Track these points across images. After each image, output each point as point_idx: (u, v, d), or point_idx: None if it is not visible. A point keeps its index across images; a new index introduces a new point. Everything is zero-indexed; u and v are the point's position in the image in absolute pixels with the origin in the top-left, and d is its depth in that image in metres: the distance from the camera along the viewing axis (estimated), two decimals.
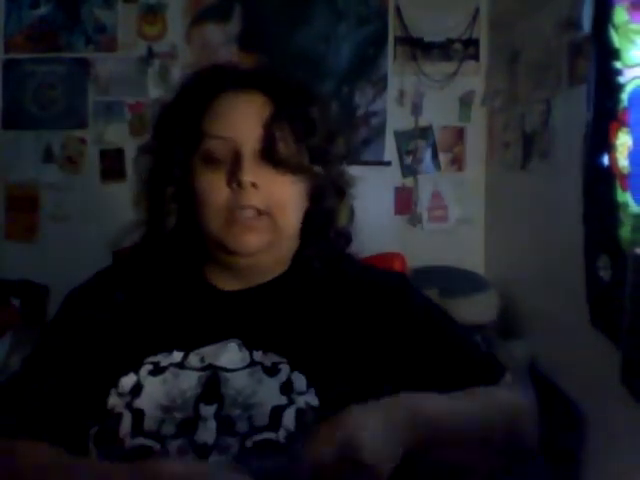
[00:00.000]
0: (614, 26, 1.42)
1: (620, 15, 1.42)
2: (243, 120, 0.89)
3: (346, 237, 0.98)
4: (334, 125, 0.96)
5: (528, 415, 0.92)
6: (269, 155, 0.88)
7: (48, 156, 2.66)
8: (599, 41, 1.53)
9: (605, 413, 1.65)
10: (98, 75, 2.64)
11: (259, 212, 0.88)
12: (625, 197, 1.43)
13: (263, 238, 0.89)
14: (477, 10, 2.64)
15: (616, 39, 1.43)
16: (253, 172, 0.86)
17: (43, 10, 2.64)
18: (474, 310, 2.22)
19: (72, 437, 0.85)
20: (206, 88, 0.91)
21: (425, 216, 2.72)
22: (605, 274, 1.55)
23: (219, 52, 2.64)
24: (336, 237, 0.97)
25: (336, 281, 0.95)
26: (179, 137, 0.90)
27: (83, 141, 2.66)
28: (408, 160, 2.71)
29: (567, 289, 1.86)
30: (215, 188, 0.88)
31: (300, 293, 0.93)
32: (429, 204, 2.72)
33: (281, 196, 0.89)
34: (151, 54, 2.64)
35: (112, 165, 2.64)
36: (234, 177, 0.87)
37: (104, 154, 2.66)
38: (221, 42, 2.65)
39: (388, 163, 2.69)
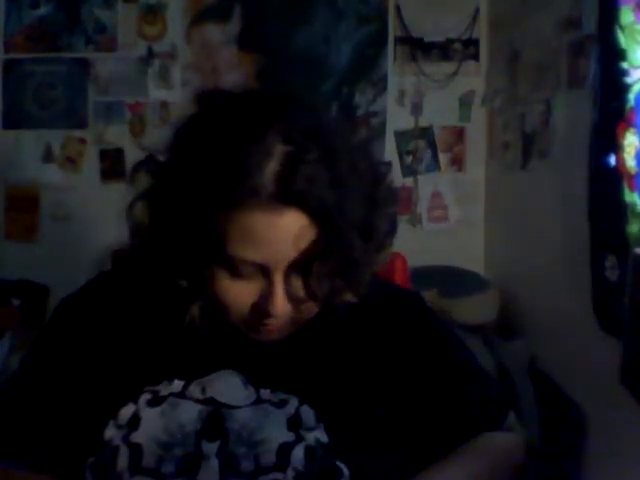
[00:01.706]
0: (620, 27, 1.43)
1: (626, 16, 1.42)
2: (279, 246, 0.73)
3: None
4: (384, 219, 0.80)
5: (522, 459, 0.94)
6: (304, 286, 0.76)
7: (48, 156, 2.66)
8: (604, 41, 1.54)
9: (605, 413, 1.65)
10: (98, 75, 2.64)
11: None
12: (633, 197, 1.43)
13: (285, 333, 0.83)
14: (477, 10, 2.64)
15: (622, 40, 1.43)
16: (284, 304, 0.76)
17: (43, 10, 2.63)
18: (474, 310, 2.23)
19: (68, 464, 0.82)
20: (229, 195, 0.71)
21: (425, 216, 2.72)
22: (612, 274, 1.55)
23: (219, 52, 2.64)
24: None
25: (347, 312, 0.86)
26: (194, 243, 0.75)
27: (83, 141, 2.66)
28: (408, 160, 2.71)
29: (568, 289, 1.86)
30: (239, 303, 0.78)
31: (308, 325, 0.86)
32: (429, 204, 2.72)
33: (309, 312, 0.81)
34: (151, 54, 2.64)
35: (112, 165, 2.63)
36: (263, 309, 0.77)
37: (104, 154, 2.65)
38: (221, 42, 2.65)
39: (388, 163, 2.69)
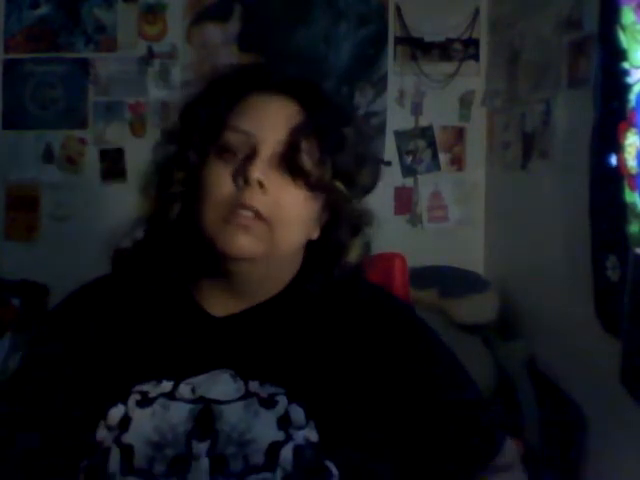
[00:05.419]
0: (621, 27, 1.43)
1: (627, 16, 1.42)
2: (269, 120, 0.83)
3: (354, 272, 0.90)
4: (365, 151, 0.90)
5: None
6: (289, 162, 0.81)
7: (48, 156, 2.66)
8: (605, 41, 1.54)
9: (605, 413, 1.65)
10: (98, 75, 2.64)
11: (259, 216, 0.80)
12: (633, 197, 1.43)
13: (256, 244, 0.81)
14: (477, 10, 2.64)
15: (623, 40, 1.43)
16: (265, 172, 0.80)
17: (43, 10, 2.63)
18: (474, 310, 2.23)
19: (62, 467, 0.82)
20: (238, 84, 0.86)
21: (425, 216, 2.72)
22: (613, 274, 1.55)
23: (219, 52, 2.64)
24: (341, 273, 0.88)
25: (339, 307, 0.88)
26: (201, 127, 0.85)
27: (83, 141, 2.66)
28: (408, 160, 2.71)
29: (568, 289, 1.86)
30: (221, 180, 0.82)
31: (297, 318, 0.87)
32: (429, 204, 2.72)
33: (288, 206, 0.82)
34: (151, 54, 2.64)
35: (112, 165, 2.63)
36: (242, 172, 0.81)
37: (104, 154, 2.65)
38: (221, 42, 2.65)
39: (388, 163, 2.68)
